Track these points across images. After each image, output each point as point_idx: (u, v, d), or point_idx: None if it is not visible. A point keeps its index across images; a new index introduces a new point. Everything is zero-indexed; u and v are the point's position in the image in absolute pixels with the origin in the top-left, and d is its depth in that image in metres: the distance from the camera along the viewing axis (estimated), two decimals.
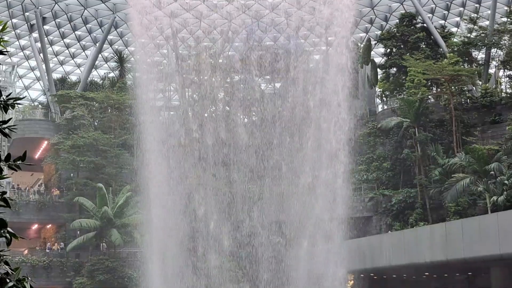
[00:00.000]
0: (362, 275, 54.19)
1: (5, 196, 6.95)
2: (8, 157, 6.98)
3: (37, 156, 68.77)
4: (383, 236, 54.02)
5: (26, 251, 63.39)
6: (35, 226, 68.55)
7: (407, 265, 45.37)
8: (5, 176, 7.01)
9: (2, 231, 6.86)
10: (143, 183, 48.19)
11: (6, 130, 7.07)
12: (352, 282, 57.06)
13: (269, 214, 50.72)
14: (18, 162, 6.96)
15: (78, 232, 60.71)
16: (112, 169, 63.11)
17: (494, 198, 46.97)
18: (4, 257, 6.84)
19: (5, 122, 7.08)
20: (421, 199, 57.99)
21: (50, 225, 68.16)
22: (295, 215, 48.82)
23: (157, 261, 47.13)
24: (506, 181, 47.21)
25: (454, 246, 39.39)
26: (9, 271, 6.71)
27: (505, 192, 46.85)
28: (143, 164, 47.46)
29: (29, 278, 6.85)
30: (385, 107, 71.24)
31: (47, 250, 62.36)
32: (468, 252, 38.44)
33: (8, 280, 6.62)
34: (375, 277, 55.26)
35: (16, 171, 7.13)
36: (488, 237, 36.85)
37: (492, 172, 49.33)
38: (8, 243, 6.88)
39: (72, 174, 65.30)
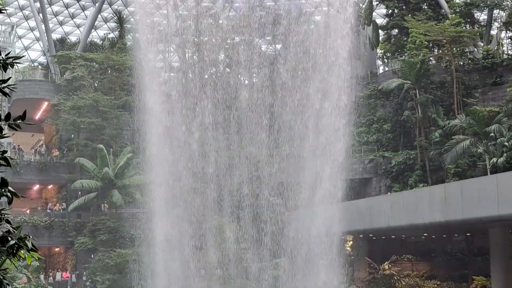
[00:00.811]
0: (361, 236, 54.62)
1: (5, 155, 6.98)
2: (8, 116, 7.00)
3: (37, 117, 68.76)
4: (382, 197, 54.31)
5: (27, 211, 63.80)
6: (36, 187, 68.89)
7: (406, 226, 45.66)
8: (5, 135, 7.03)
9: (3, 190, 6.90)
10: (143, 144, 48.30)
11: (6, 90, 7.07)
12: (351, 242, 57.55)
13: (269, 176, 50.89)
14: (18, 121, 6.98)
15: (79, 192, 61.01)
16: (113, 130, 63.18)
17: (494, 159, 47.11)
18: (6, 215, 6.90)
19: (4, 81, 7.08)
20: (421, 161, 58.16)
21: (51, 186, 68.48)
22: (295, 177, 48.99)
23: (158, 221, 47.45)
24: (506, 143, 47.30)
25: (453, 207, 39.60)
26: (11, 229, 6.77)
27: (504, 154, 46.97)
28: (143, 125, 47.53)
29: (31, 236, 6.92)
30: (386, 68, 70.96)
31: (49, 211, 62.75)
32: (467, 213, 38.66)
33: (9, 238, 6.69)
34: (374, 238, 55.69)
35: (16, 130, 7.15)
36: (487, 199, 37.03)
37: (492, 134, 49.40)
38: (9, 202, 6.93)
39: (72, 135, 65.36)
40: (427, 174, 57.37)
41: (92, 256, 57.61)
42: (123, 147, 61.01)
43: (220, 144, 51.75)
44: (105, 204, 61.22)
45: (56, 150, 66.25)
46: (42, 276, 56.51)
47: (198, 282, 48.91)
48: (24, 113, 7.01)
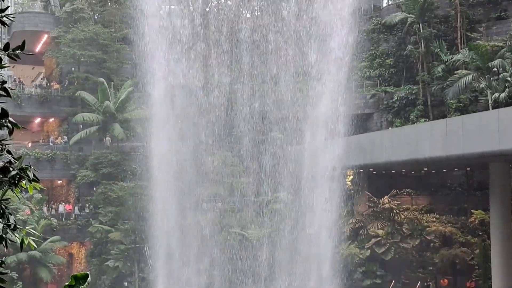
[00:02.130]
0: (361, 171, 54.92)
1: (5, 85, 6.93)
2: (6, 46, 6.92)
3: (37, 49, 68.25)
4: (383, 132, 54.37)
5: (29, 144, 64.02)
6: (37, 120, 68.95)
7: (407, 160, 45.90)
8: (5, 65, 6.96)
9: (3, 120, 6.87)
10: (143, 78, 48.09)
11: (5, 19, 6.96)
12: (351, 177, 57.90)
13: (270, 110, 50.86)
14: (17, 51, 6.91)
15: (81, 126, 61.07)
16: (113, 63, 62.79)
17: (496, 94, 46.97)
18: (7, 146, 6.89)
19: (2, 10, 6.97)
20: (423, 96, 58.00)
21: (52, 119, 68.52)
22: (295, 111, 48.95)
23: (158, 154, 47.62)
24: (508, 78, 47.07)
25: (454, 142, 39.71)
26: (12, 160, 6.78)
27: (507, 89, 46.80)
28: (144, 58, 47.22)
29: (32, 167, 6.93)
30: (390, 2, 69.92)
31: (50, 144, 62.96)
32: (467, 148, 38.79)
33: (11, 169, 6.70)
34: (374, 172, 56.04)
35: (15, 60, 7.07)
36: (488, 134, 37.09)
37: (495, 69, 49.10)
38: (10, 132, 6.91)
39: (73, 68, 65.00)
40: (428, 109, 57.29)
41: (94, 189, 58.11)
42: (124, 81, 60.76)
43: (222, 79, 51.52)
44: (107, 138, 61.34)
45: (57, 83, 66.02)
46: (45, 208, 57.11)
47: (200, 215, 49.44)
48: (23, 43, 6.93)
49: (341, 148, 43.91)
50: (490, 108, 47.43)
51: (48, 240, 51.16)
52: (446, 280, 53.36)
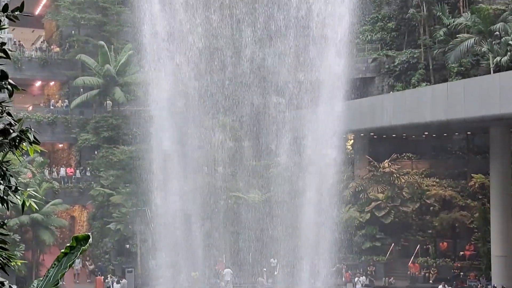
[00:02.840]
0: (362, 135, 54.98)
1: (4, 47, 6.90)
2: (5, 7, 6.88)
3: (37, 12, 67.80)
4: (384, 96, 54.31)
5: (30, 108, 63.98)
6: (38, 83, 68.78)
7: (408, 124, 45.93)
8: (4, 26, 6.92)
9: (3, 82, 6.86)
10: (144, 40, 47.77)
11: None
12: (352, 141, 58.00)
13: (270, 74, 50.68)
14: (16, 13, 6.87)
15: (81, 89, 60.94)
16: (113, 27, 62.36)
17: (498, 58, 46.78)
18: (7, 108, 6.89)
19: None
20: (424, 60, 57.76)
21: (53, 83, 68.35)
22: (296, 75, 48.77)
23: (158, 117, 47.58)
24: (510, 42, 46.84)
25: (455, 106, 39.69)
26: (12, 122, 6.78)
27: (508, 53, 46.61)
28: (143, 20, 46.90)
29: (32, 129, 6.93)
30: None
31: (51, 107, 62.90)
32: (468, 112, 38.80)
33: (11, 131, 6.70)
34: (375, 137, 56.08)
35: (15, 21, 7.03)
36: (489, 98, 37.06)
37: (497, 33, 48.82)
38: (10, 94, 6.90)
39: (73, 31, 64.61)
40: (430, 73, 57.10)
41: (96, 152, 58.21)
42: (124, 44, 60.41)
43: (223, 41, 51.24)
44: (108, 102, 61.24)
45: (57, 46, 65.71)
46: (46, 172, 57.30)
47: (200, 179, 49.59)
48: (22, 4, 6.88)
49: (342, 112, 43.83)
50: (492, 72, 47.26)
51: (50, 203, 51.40)
52: (445, 243, 53.79)
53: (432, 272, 50.30)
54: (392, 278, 50.02)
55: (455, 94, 40.02)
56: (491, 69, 48.17)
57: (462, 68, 53.97)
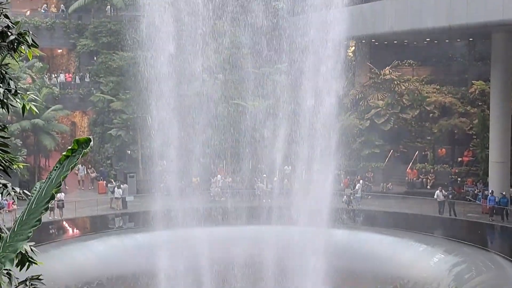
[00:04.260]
0: (363, 41, 54.50)
1: None
2: None
3: None
4: (386, 1, 53.47)
5: (28, 13, 63.16)
6: None
7: (409, 30, 45.47)
8: None
9: None
10: None
11: None
12: (353, 48, 57.56)
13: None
14: None
15: None
16: None
17: None
18: (4, 10, 6.81)
19: None
20: None
21: None
22: None
23: (158, 24, 46.97)
24: None
25: (457, 12, 39.18)
26: (10, 24, 6.72)
27: None
28: None
29: (30, 32, 6.88)
30: None
31: (49, 12, 62.09)
32: (471, 18, 38.33)
33: (9, 33, 6.66)
34: (376, 43, 55.63)
35: None
36: (492, 3, 36.56)
37: None
38: None
39: None
40: None
41: (95, 58, 57.89)
42: None
43: None
44: (108, 7, 60.34)
45: None
46: (46, 77, 57.13)
47: (200, 86, 49.46)
48: None
49: (343, 18, 43.23)
50: None
51: (51, 109, 51.51)
52: (444, 150, 54.27)
53: (429, 178, 50.99)
54: (390, 183, 50.74)
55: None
56: None
57: None
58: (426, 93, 53.38)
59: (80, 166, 52.90)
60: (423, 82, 55.37)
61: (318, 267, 31.43)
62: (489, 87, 45.95)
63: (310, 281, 31.41)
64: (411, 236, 36.71)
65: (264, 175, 47.84)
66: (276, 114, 45.93)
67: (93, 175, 54.09)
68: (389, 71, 53.57)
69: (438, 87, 54.27)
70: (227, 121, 48.54)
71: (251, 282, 33.26)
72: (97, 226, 42.81)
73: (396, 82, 53.23)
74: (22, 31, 6.72)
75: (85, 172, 54.02)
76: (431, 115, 52.79)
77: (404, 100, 53.07)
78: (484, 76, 50.43)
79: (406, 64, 57.39)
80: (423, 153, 53.73)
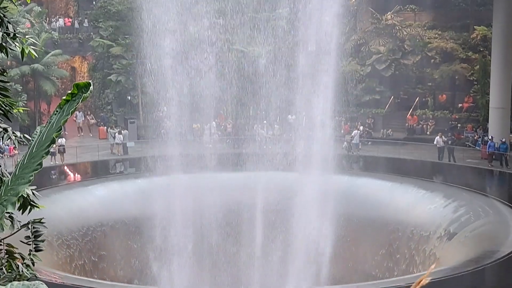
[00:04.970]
0: None
1: None
2: None
3: None
4: None
5: None
6: None
7: None
8: None
9: None
10: None
11: None
12: None
13: None
14: None
15: None
16: None
17: None
18: None
19: None
20: None
21: None
22: None
23: None
24: None
25: None
26: None
27: None
28: None
29: None
30: None
31: None
32: None
33: None
34: None
35: None
36: None
37: None
38: None
39: None
40: None
41: (94, 2, 57.30)
42: None
43: None
44: None
45: None
46: (45, 22, 56.67)
47: (200, 30, 49.07)
48: None
49: None
50: None
51: (50, 54, 51.24)
52: (444, 96, 54.17)
53: (429, 124, 51.03)
54: (390, 130, 50.82)
55: None
56: None
57: None
58: (428, 38, 52.99)
59: (78, 113, 52.90)
60: (425, 28, 54.90)
61: (317, 212, 31.72)
62: (491, 33, 45.60)
63: (309, 225, 31.74)
64: (411, 181, 36.91)
65: (265, 122, 47.86)
66: (277, 60, 45.71)
67: (92, 121, 54.09)
68: (391, 16, 53.08)
69: (439, 32, 53.83)
70: (227, 67, 48.31)
71: (252, 226, 33.61)
72: (98, 171, 43.08)
73: (397, 28, 52.79)
74: None
75: (84, 119, 54.02)
76: (432, 61, 52.50)
77: (405, 45, 52.73)
78: (486, 22, 50.00)
79: (408, 10, 56.80)
80: (424, 99, 53.64)
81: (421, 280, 3.36)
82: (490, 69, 44.71)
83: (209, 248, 33.56)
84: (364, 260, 33.85)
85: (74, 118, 52.36)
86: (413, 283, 3.45)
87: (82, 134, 52.93)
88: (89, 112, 55.33)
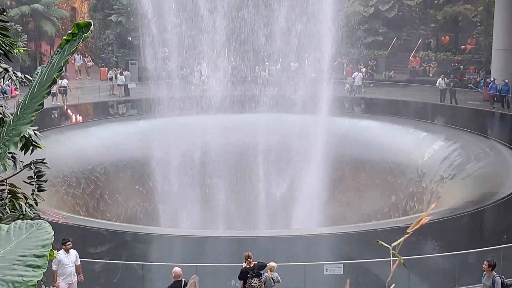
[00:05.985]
0: None
1: None
2: None
3: None
4: None
5: None
6: None
7: None
8: None
9: None
10: None
11: None
12: None
13: None
14: None
15: None
16: None
17: None
18: None
19: None
20: None
21: None
22: None
23: None
24: None
25: None
26: None
27: None
28: None
29: None
30: None
31: None
32: None
33: None
34: None
35: None
36: None
37: None
38: None
39: None
40: None
41: None
42: None
43: None
44: None
45: None
46: None
47: None
48: None
49: None
50: None
51: None
52: (447, 37, 53.71)
53: (432, 66, 50.77)
54: (392, 71, 50.59)
55: None
56: None
57: None
58: None
59: (76, 55, 52.53)
60: None
61: (319, 154, 31.85)
62: None
63: (310, 166, 31.91)
64: (412, 123, 36.92)
65: (267, 63, 47.56)
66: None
67: (90, 64, 53.78)
68: None
69: None
70: (228, 8, 47.78)
71: (255, 167, 33.81)
72: (99, 112, 43.06)
73: None
74: None
75: (82, 62, 53.66)
76: (435, 1, 51.95)
77: None
78: None
79: None
80: (427, 40, 53.21)
81: (421, 219, 3.40)
82: (494, 10, 44.19)
83: (211, 188, 33.84)
84: (364, 201, 34.12)
85: (73, 61, 52.00)
86: (412, 223, 3.49)
87: (80, 77, 52.66)
88: (86, 55, 54.94)
